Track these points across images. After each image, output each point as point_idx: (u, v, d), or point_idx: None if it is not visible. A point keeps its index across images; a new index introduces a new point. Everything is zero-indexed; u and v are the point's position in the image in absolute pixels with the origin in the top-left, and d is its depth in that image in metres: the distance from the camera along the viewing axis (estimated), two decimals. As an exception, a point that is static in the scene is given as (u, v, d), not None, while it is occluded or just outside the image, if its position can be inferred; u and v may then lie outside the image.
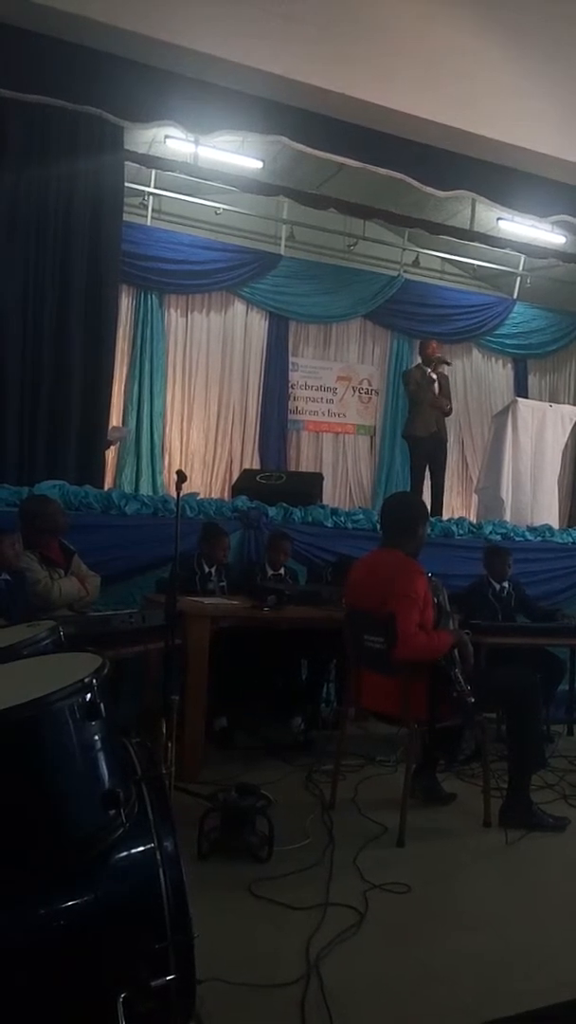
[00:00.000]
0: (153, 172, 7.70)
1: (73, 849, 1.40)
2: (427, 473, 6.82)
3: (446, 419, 6.91)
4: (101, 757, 1.47)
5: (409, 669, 3.04)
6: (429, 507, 6.42)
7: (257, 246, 9.24)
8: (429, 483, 6.81)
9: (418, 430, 6.73)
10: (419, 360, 7.24)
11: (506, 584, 4.79)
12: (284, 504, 5.22)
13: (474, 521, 6.07)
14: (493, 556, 4.85)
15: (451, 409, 6.97)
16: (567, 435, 7.27)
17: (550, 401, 9.04)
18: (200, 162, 7.06)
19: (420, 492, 6.63)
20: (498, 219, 8.07)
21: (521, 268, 9.94)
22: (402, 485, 9.48)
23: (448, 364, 7.21)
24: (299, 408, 9.74)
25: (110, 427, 6.37)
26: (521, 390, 10.64)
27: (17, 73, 5.08)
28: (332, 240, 9.43)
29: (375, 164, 6.13)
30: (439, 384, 6.74)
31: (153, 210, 8.57)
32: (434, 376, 6.72)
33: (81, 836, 1.42)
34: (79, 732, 1.43)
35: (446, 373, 6.94)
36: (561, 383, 11.02)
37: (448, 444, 7.11)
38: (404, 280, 9.91)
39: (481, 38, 5.93)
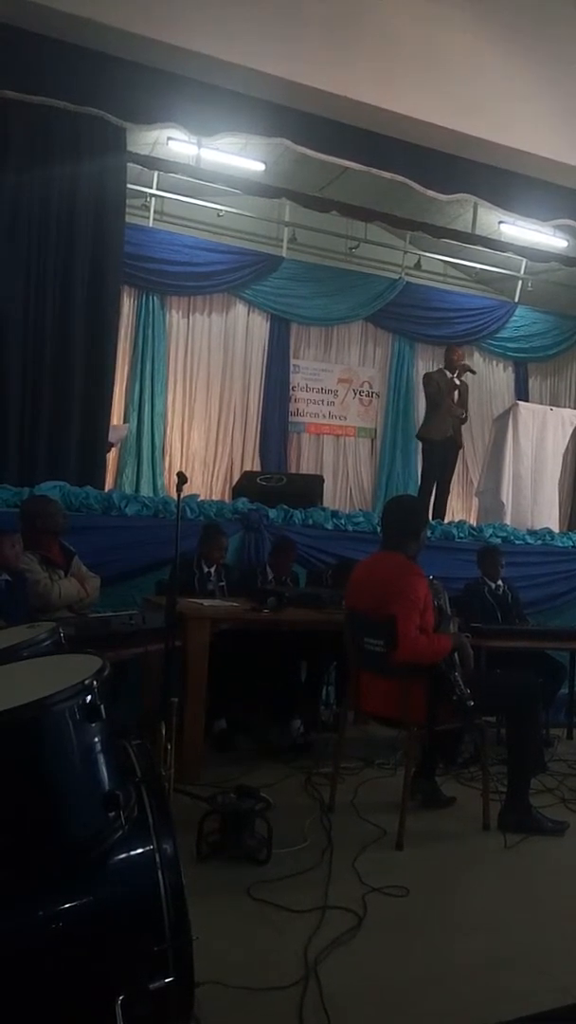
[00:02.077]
0: (155, 174, 7.72)
1: (72, 851, 1.41)
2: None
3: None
4: (101, 759, 1.47)
5: (409, 672, 3.04)
6: (432, 510, 6.44)
7: (259, 248, 9.25)
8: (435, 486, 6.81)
9: (434, 433, 6.74)
10: (436, 365, 7.22)
11: (501, 583, 4.81)
12: (284, 506, 5.22)
13: (474, 524, 6.07)
14: (485, 556, 4.87)
15: (466, 417, 6.99)
16: (567, 439, 7.28)
17: (551, 405, 9.04)
18: (202, 164, 7.07)
19: (429, 495, 6.63)
20: (500, 223, 8.08)
21: (522, 272, 9.95)
22: (403, 488, 9.48)
23: (474, 372, 7.21)
24: (300, 410, 9.75)
25: (111, 425, 6.38)
26: (522, 394, 10.65)
27: (20, 74, 5.09)
28: (334, 243, 9.43)
29: (377, 167, 6.14)
30: (459, 392, 6.75)
31: (155, 212, 8.58)
32: (457, 383, 6.72)
33: (80, 838, 1.42)
34: (79, 734, 1.43)
35: (467, 382, 6.94)
36: (562, 387, 11.02)
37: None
38: (405, 283, 9.92)
39: (484, 42, 5.94)
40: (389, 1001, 2.02)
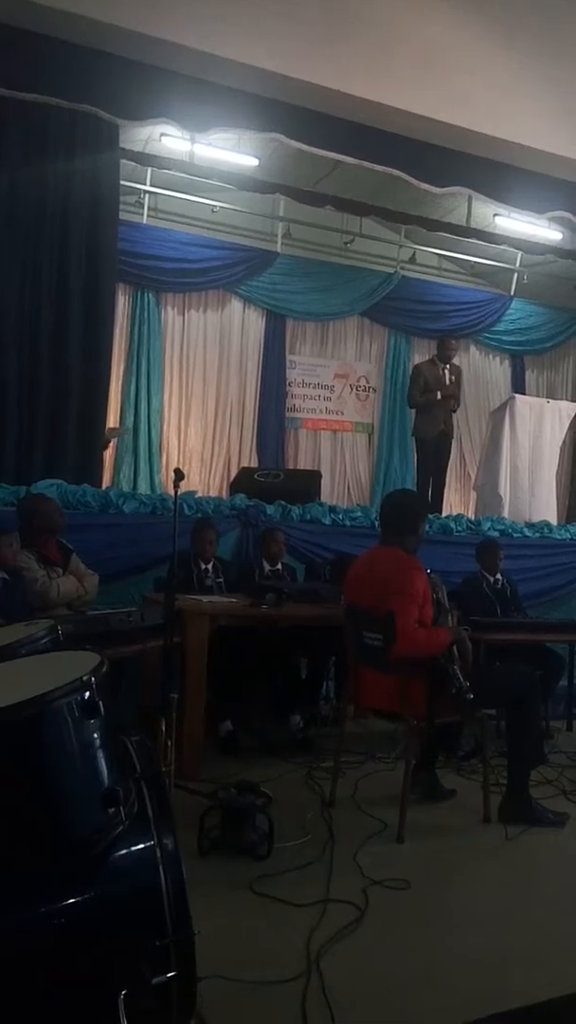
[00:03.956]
0: (149, 170, 7.69)
1: (73, 847, 1.40)
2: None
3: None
4: (100, 755, 1.47)
5: (408, 666, 3.04)
6: (430, 504, 6.43)
7: (253, 244, 9.22)
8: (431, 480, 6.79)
9: (427, 430, 6.70)
10: (432, 357, 7.10)
11: (499, 576, 4.81)
12: (282, 502, 5.22)
13: (472, 518, 6.07)
14: (485, 550, 4.88)
15: (456, 407, 6.95)
16: (564, 431, 7.28)
17: (547, 397, 9.04)
18: (196, 160, 7.05)
19: (427, 493, 6.61)
20: (495, 215, 8.06)
21: (518, 264, 9.93)
22: (400, 483, 9.48)
23: (456, 406, 7.15)
24: (297, 406, 9.74)
25: (107, 428, 6.37)
26: (518, 387, 10.64)
27: (12, 71, 5.06)
28: (329, 237, 9.41)
29: (371, 161, 6.11)
30: (449, 384, 6.70)
31: (149, 208, 8.55)
32: (447, 382, 6.66)
33: (81, 834, 1.42)
34: (78, 730, 1.43)
35: (459, 365, 6.87)
36: (558, 379, 11.02)
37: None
38: (401, 277, 9.90)
39: (478, 35, 5.92)
40: (391, 994, 2.02)
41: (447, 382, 6.68)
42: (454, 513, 6.63)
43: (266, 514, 5.04)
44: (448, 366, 6.74)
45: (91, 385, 5.67)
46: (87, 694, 1.44)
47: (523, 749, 3.26)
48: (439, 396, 6.64)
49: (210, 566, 4.47)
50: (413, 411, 7.13)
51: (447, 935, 2.33)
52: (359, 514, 5.37)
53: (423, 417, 6.75)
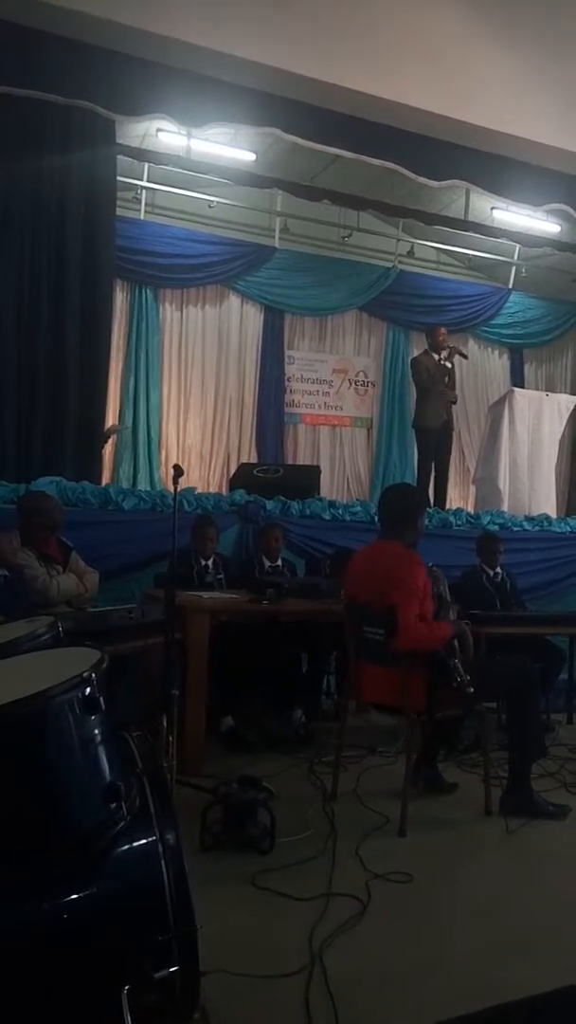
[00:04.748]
0: (146, 166, 7.68)
1: (75, 843, 1.41)
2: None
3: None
4: (101, 751, 1.47)
5: (409, 660, 3.04)
6: (433, 498, 6.42)
7: (251, 239, 9.22)
8: (433, 474, 6.78)
9: (429, 421, 6.67)
10: (425, 349, 7.08)
11: (499, 570, 4.81)
12: (282, 497, 5.22)
13: (472, 511, 6.07)
14: (485, 543, 4.88)
15: (456, 398, 6.94)
16: (564, 424, 7.28)
17: (546, 390, 9.04)
18: (193, 155, 7.04)
19: (427, 485, 6.60)
20: (492, 208, 8.05)
21: (516, 257, 9.93)
22: (400, 477, 9.48)
23: (465, 357, 7.15)
24: (296, 401, 9.74)
25: (106, 427, 6.37)
26: (517, 380, 10.64)
27: (7, 67, 5.05)
28: (326, 232, 9.40)
29: (368, 155, 6.10)
30: (449, 374, 6.67)
31: (146, 204, 8.54)
32: (448, 365, 6.66)
33: (83, 830, 1.42)
34: (79, 726, 1.43)
35: (459, 350, 6.87)
36: (557, 372, 11.02)
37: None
38: (399, 271, 9.89)
39: (476, 27, 5.90)
40: (394, 986, 2.02)
41: (448, 365, 6.65)
42: (454, 507, 6.62)
43: (266, 510, 5.05)
44: (441, 354, 6.72)
45: (90, 382, 5.67)
46: (88, 690, 1.44)
47: (524, 742, 3.26)
48: (446, 358, 6.58)
49: (210, 562, 4.47)
50: (414, 403, 7.11)
51: (449, 928, 2.34)
52: (359, 509, 5.37)
53: (426, 407, 6.72)
